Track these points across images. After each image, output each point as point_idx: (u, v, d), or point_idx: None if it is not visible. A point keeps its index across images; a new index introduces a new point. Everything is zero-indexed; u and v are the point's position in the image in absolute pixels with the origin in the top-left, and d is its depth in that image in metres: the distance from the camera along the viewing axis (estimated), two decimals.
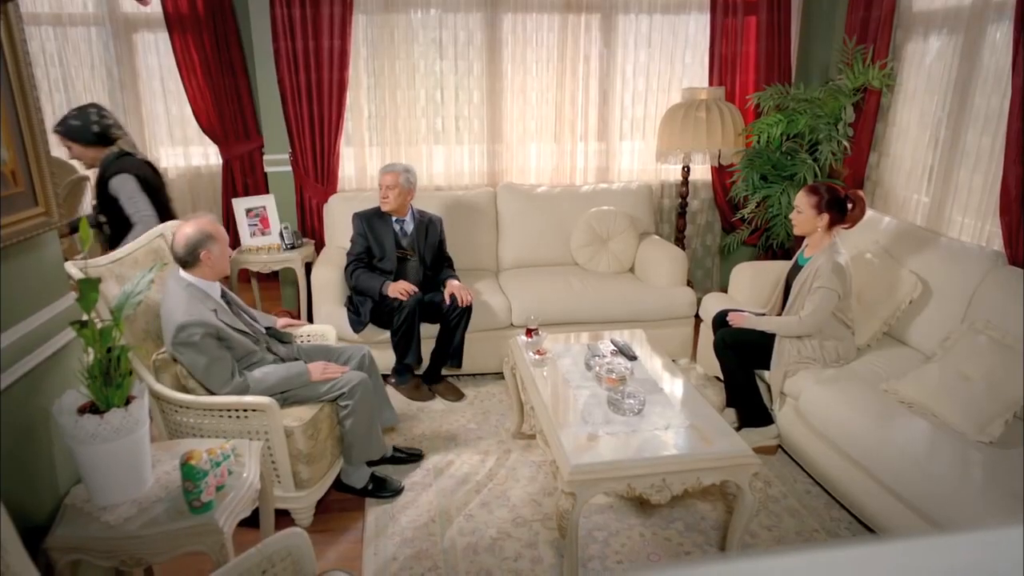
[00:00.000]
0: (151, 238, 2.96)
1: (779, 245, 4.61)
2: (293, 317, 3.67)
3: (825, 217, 3.10)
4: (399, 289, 3.65)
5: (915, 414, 2.68)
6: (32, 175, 1.79)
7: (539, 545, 2.65)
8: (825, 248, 3.12)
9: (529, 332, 3.24)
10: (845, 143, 4.22)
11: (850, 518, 2.81)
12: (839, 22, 4.44)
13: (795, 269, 3.27)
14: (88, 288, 1.69)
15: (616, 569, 2.51)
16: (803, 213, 3.14)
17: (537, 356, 3.08)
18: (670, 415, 2.58)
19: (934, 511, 2.31)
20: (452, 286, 3.73)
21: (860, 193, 3.15)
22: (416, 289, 3.69)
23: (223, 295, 2.76)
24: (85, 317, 1.75)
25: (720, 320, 3.44)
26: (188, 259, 2.58)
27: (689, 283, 4.37)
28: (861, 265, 3.40)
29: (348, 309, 3.82)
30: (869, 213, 3.72)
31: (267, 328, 3.00)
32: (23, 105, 1.75)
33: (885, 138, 4.24)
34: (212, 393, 2.59)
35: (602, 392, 2.75)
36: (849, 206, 3.13)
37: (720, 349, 3.31)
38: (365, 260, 3.83)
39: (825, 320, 3.08)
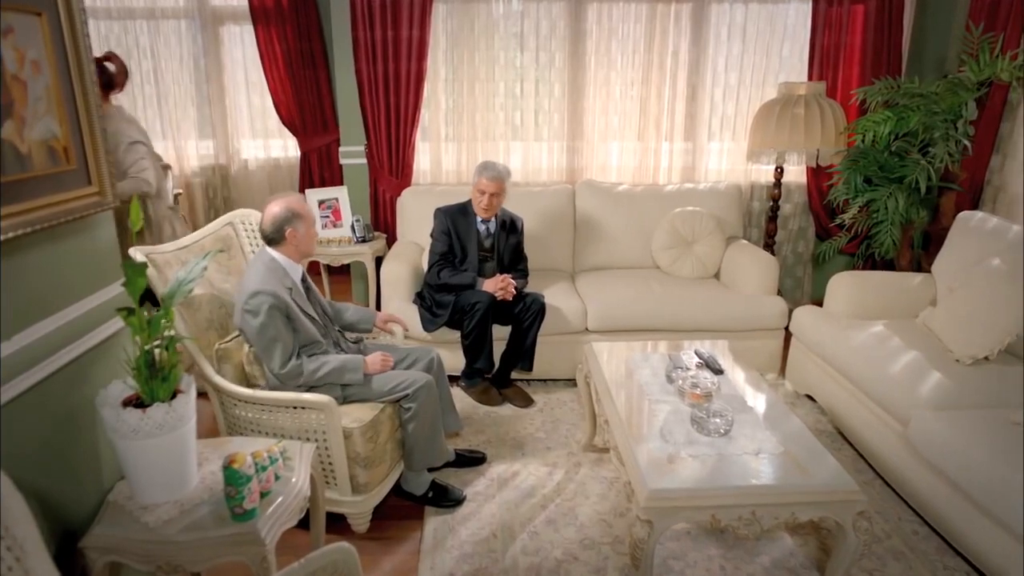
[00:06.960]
0: (220, 225, 2.90)
1: (882, 255, 4.20)
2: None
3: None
4: (499, 286, 3.46)
5: None
6: (86, 153, 1.71)
7: (608, 571, 2.42)
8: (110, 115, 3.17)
9: None
10: (965, 143, 3.79)
11: (967, 567, 2.45)
12: (961, 8, 4.03)
13: None
14: (134, 273, 1.59)
15: None
16: None
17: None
18: (761, 438, 2.31)
19: None
20: (487, 283, 3.49)
21: (112, 53, 3.16)
22: (515, 283, 3.52)
23: (303, 279, 2.71)
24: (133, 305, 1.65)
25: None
26: (274, 236, 2.57)
27: (778, 292, 4.04)
28: (987, 271, 3.01)
29: (420, 307, 3.68)
30: (992, 220, 3.31)
31: (343, 327, 2.94)
32: (79, 80, 1.67)
33: (1012, 138, 3.79)
34: (270, 369, 2.52)
35: (684, 408, 2.50)
36: (110, 67, 3.17)
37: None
38: (449, 259, 3.66)
39: (134, 160, 3.24)
